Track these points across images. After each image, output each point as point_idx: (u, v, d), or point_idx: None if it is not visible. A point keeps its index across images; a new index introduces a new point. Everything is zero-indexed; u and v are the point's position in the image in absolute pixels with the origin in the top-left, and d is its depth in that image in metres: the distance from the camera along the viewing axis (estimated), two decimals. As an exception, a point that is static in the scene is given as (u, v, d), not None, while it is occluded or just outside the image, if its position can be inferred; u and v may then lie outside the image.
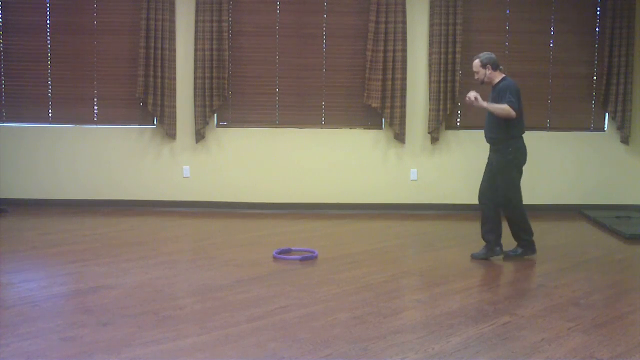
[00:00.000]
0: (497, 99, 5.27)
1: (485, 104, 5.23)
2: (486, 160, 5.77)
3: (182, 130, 7.45)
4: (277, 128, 7.53)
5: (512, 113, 5.15)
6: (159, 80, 7.23)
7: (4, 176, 7.40)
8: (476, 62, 5.40)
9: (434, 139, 7.48)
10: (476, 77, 5.44)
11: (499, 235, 5.40)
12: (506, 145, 5.34)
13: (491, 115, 5.29)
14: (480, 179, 6.29)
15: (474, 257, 5.41)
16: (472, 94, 5.22)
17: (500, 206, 5.42)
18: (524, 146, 5.44)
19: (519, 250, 5.45)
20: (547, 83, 7.57)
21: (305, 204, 7.52)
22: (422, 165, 7.55)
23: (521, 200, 5.47)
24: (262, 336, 3.53)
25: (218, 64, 7.25)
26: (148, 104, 7.26)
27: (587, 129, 7.67)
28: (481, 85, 5.54)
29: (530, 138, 7.49)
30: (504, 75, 5.42)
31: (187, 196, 7.51)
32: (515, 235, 5.48)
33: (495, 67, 5.36)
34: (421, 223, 7.00)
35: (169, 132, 7.36)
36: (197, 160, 7.50)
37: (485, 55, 5.39)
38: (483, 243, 5.49)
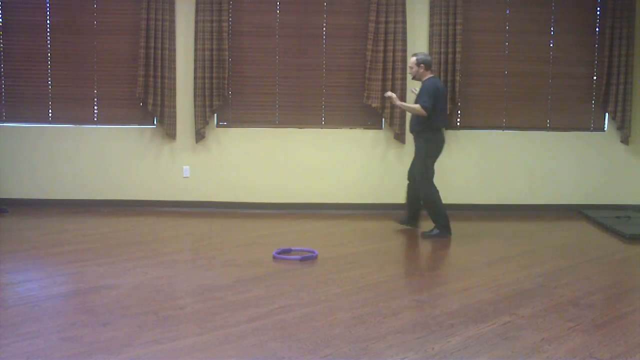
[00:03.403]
0: (419, 96, 6.12)
1: (399, 102, 6.17)
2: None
3: (182, 130, 7.45)
4: (277, 128, 7.53)
5: (423, 112, 5.98)
6: (159, 80, 7.24)
7: (4, 176, 7.41)
8: (413, 59, 6.18)
9: (434, 139, 7.48)
10: (409, 71, 6.28)
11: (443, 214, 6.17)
12: (421, 136, 6.13)
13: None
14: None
15: (425, 235, 6.19)
16: (389, 94, 6.19)
17: (432, 185, 6.17)
18: (440, 139, 6.21)
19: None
20: (547, 83, 7.57)
21: (305, 204, 7.52)
22: (422, 165, 7.54)
23: (433, 186, 6.17)
24: (262, 336, 3.53)
25: (218, 64, 7.25)
26: (148, 104, 7.26)
27: (587, 129, 7.68)
28: (412, 80, 6.39)
29: (530, 138, 7.61)
30: (432, 75, 6.20)
31: (187, 196, 7.51)
32: (408, 201, 6.40)
33: (427, 68, 6.17)
34: (421, 223, 6.99)
35: (169, 132, 7.36)
36: (197, 160, 7.50)
37: (422, 55, 6.18)
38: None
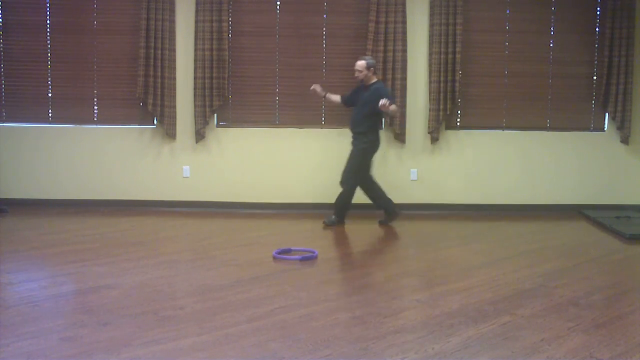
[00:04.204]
0: (372, 97, 6.30)
1: (392, 107, 6.19)
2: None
3: (182, 130, 7.45)
4: (277, 128, 7.53)
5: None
6: (159, 80, 7.24)
7: (4, 176, 7.41)
8: (362, 63, 6.41)
9: (434, 139, 7.48)
10: (357, 74, 6.47)
11: (348, 209, 6.66)
12: (366, 136, 6.46)
13: (360, 112, 6.45)
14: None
15: (325, 223, 6.58)
16: (387, 102, 6.11)
17: (357, 185, 6.58)
18: (379, 139, 6.62)
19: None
20: (547, 83, 7.57)
21: (305, 204, 7.52)
22: (422, 165, 7.56)
23: (371, 178, 6.68)
24: (262, 336, 3.53)
25: (218, 64, 7.25)
26: (148, 104, 7.26)
27: (587, 129, 7.67)
28: (356, 82, 6.59)
29: (530, 138, 7.61)
30: (376, 78, 6.57)
31: (187, 196, 7.51)
32: (375, 201, 6.72)
33: (375, 71, 6.54)
34: (421, 223, 7.00)
35: (169, 132, 7.36)
36: (197, 160, 7.50)
37: (370, 59, 6.51)
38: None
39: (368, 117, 6.43)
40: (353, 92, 6.70)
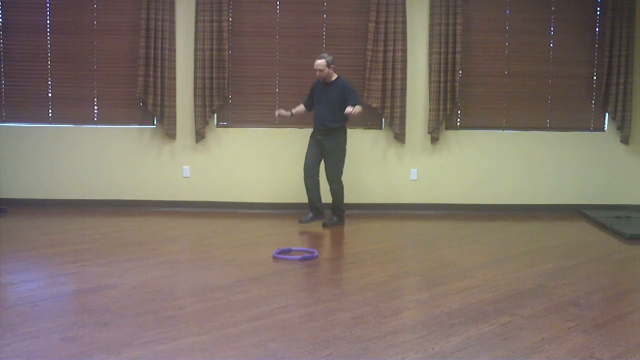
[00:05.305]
0: (340, 93, 6.41)
1: (358, 109, 6.23)
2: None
3: (182, 130, 7.45)
4: (277, 128, 7.53)
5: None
6: (159, 80, 7.24)
7: (4, 176, 7.41)
8: (322, 62, 6.41)
9: (434, 139, 7.48)
10: (318, 74, 6.46)
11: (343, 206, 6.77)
12: (339, 132, 6.54)
13: (331, 108, 6.43)
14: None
15: (326, 225, 6.62)
16: (352, 109, 6.17)
17: (341, 175, 6.65)
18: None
19: (334, 219, 6.68)
20: (547, 83, 7.57)
21: (306, 204, 7.50)
22: (422, 165, 7.56)
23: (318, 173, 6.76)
24: (262, 336, 3.53)
25: (218, 64, 7.25)
26: (148, 104, 7.26)
27: (587, 129, 7.67)
28: (319, 80, 6.52)
29: (530, 138, 7.61)
30: (336, 74, 6.54)
31: (187, 196, 7.51)
32: (335, 207, 6.70)
33: (334, 68, 6.51)
34: (421, 223, 7.00)
35: (169, 132, 7.37)
36: (197, 160, 7.51)
37: (328, 56, 6.48)
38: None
39: (338, 116, 6.45)
40: (311, 93, 6.72)
